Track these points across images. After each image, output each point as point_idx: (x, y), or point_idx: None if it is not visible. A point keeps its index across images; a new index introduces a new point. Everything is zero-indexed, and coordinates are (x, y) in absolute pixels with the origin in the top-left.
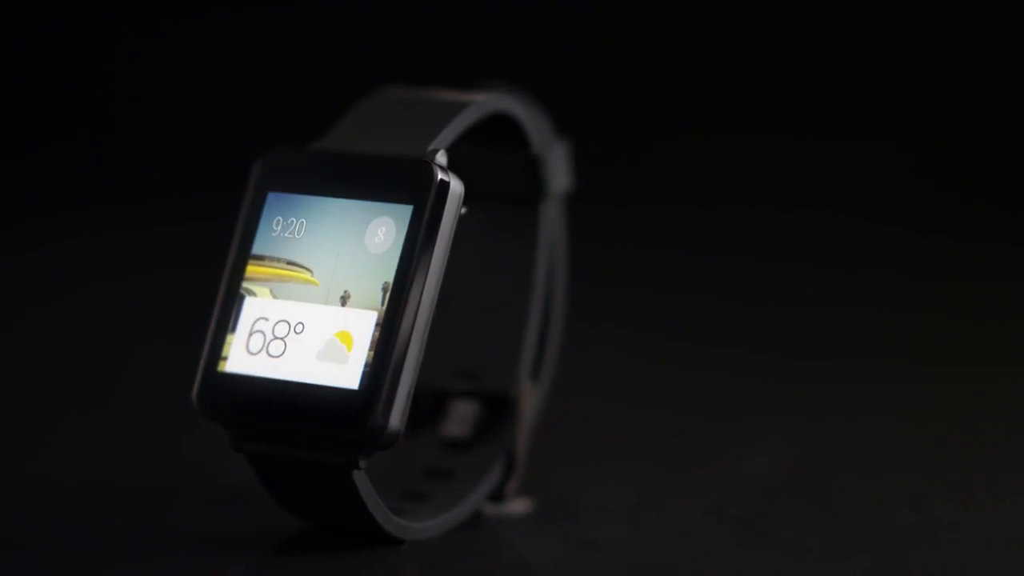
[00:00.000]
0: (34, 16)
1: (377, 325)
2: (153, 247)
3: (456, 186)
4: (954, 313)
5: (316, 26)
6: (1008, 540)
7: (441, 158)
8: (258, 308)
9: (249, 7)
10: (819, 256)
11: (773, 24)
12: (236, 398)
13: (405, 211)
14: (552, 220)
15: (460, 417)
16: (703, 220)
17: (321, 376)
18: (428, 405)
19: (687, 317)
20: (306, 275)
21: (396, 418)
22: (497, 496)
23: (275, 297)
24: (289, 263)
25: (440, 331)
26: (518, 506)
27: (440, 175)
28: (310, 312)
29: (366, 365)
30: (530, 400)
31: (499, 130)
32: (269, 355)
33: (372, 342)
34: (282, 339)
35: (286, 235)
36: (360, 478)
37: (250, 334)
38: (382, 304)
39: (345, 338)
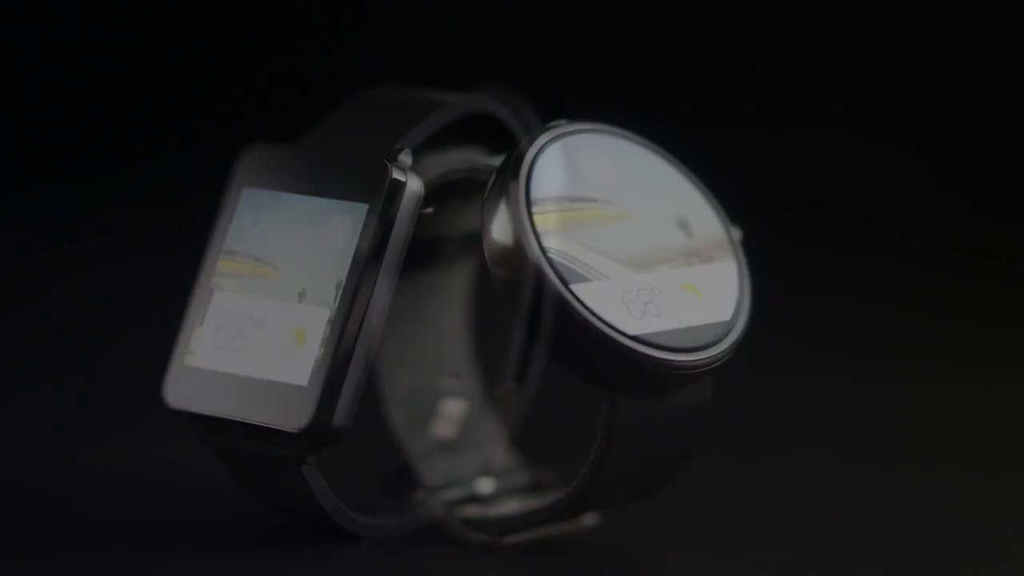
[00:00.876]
0: (34, 16)
1: (328, 322)
2: (141, 243)
3: (414, 185)
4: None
5: (316, 26)
6: None
7: (405, 157)
8: (225, 303)
9: (249, 7)
10: (819, 256)
11: (774, 23)
12: (200, 391)
13: (361, 209)
14: None
15: (448, 416)
16: None
17: (275, 372)
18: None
19: None
20: (270, 271)
21: (341, 415)
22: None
23: (243, 292)
24: (255, 259)
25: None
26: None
27: (395, 173)
28: (271, 308)
29: (316, 362)
30: (512, 403)
31: (489, 132)
32: (232, 350)
33: (323, 339)
34: (244, 334)
35: (256, 230)
36: (311, 473)
37: (216, 328)
38: (334, 301)
39: (300, 335)
